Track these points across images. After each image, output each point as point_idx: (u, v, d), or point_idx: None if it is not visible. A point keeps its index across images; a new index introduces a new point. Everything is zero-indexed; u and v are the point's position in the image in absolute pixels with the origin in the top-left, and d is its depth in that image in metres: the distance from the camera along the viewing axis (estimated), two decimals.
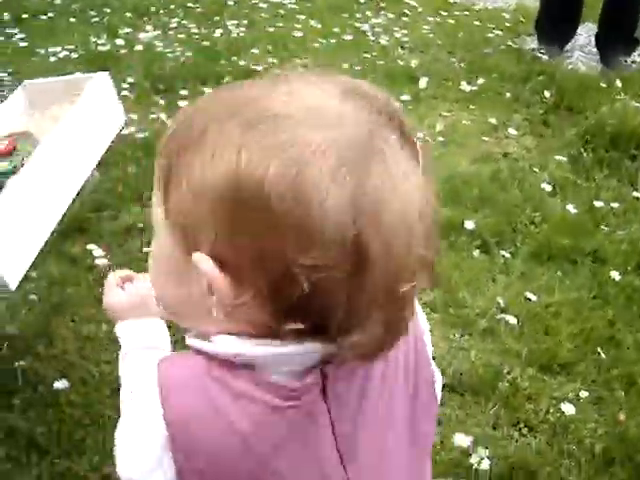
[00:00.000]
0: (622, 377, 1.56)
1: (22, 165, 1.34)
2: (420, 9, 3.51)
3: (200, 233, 0.46)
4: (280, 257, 0.43)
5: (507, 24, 3.46)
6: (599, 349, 1.63)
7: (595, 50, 3.19)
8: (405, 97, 2.67)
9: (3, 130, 1.53)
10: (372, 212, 0.43)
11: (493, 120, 2.60)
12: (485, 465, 1.33)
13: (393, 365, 0.55)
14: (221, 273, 0.46)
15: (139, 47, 3.07)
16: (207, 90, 2.60)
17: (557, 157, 2.42)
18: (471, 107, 2.70)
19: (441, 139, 2.47)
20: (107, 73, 1.66)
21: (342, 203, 0.42)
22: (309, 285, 0.43)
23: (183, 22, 3.36)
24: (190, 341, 0.53)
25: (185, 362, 0.53)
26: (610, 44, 3.11)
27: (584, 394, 1.52)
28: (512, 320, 1.68)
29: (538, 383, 1.53)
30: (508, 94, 2.79)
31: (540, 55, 3.12)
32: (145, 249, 1.74)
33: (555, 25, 3.13)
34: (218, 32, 3.24)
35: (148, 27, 3.33)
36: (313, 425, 0.52)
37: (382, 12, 3.45)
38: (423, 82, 2.81)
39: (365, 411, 0.54)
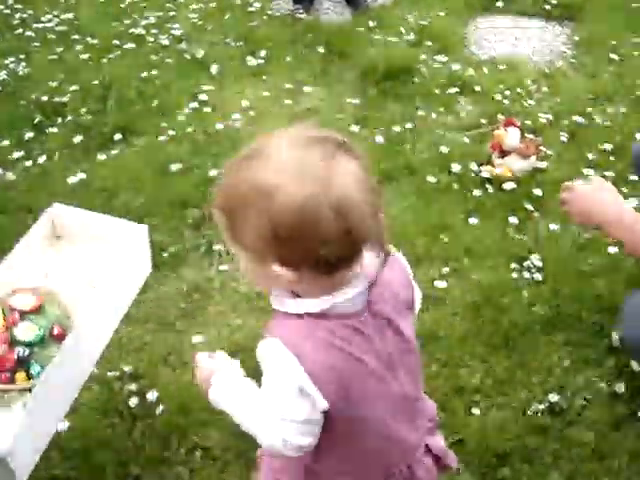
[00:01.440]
0: None
1: (51, 334, 1.39)
2: (182, 0, 3.75)
3: (266, 254, 0.80)
4: (314, 251, 0.78)
5: None
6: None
7: None
8: (207, 87, 2.96)
9: (27, 274, 1.55)
10: (345, 206, 0.78)
11: (288, 85, 2.99)
12: None
13: (396, 290, 0.92)
14: (288, 270, 0.80)
15: None
16: None
17: (349, 100, 2.88)
18: (264, 78, 3.06)
19: (252, 114, 2.80)
20: (146, 227, 1.71)
21: (330, 216, 0.77)
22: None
23: None
24: (286, 307, 0.86)
25: (293, 329, 0.85)
26: None
27: None
28: None
29: None
30: (289, 58, 3.18)
31: (299, 15, 3.53)
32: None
33: None
34: None
35: None
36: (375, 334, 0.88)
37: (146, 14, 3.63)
38: (214, 69, 3.10)
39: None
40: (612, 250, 2.05)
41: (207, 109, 2.83)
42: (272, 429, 0.87)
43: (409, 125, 2.67)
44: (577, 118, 2.68)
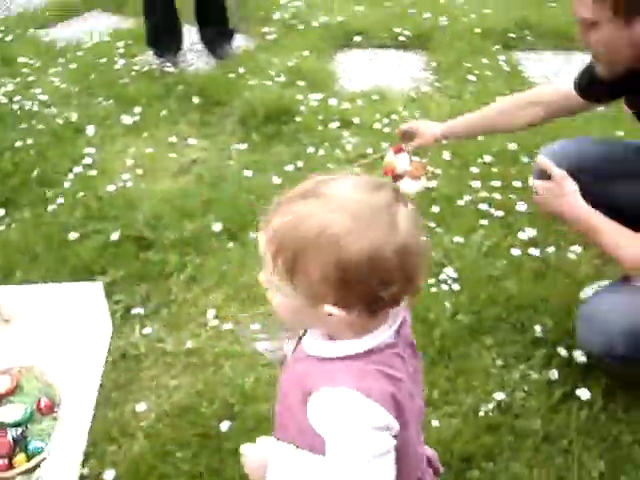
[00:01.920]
0: None
1: (39, 408, 1.28)
2: (38, 64, 3.63)
3: (324, 295, 0.82)
4: (373, 293, 0.82)
5: (121, 50, 3.78)
6: None
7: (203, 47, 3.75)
8: (87, 150, 2.87)
9: None
10: (407, 251, 0.83)
11: (170, 139, 2.97)
12: None
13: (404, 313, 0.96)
14: (341, 311, 0.82)
15: None
16: None
17: (235, 146, 2.91)
18: (145, 135, 3.02)
19: (140, 172, 2.76)
20: (100, 284, 1.58)
21: (394, 260, 0.81)
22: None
23: None
24: (339, 351, 0.88)
25: (353, 372, 0.86)
26: (212, 39, 3.68)
27: None
28: None
29: None
30: (164, 112, 3.17)
31: (167, 69, 3.53)
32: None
33: (162, 37, 3.57)
34: None
35: None
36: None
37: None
38: (91, 131, 3.02)
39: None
40: (514, 252, 2.22)
41: (92, 172, 2.75)
42: (363, 477, 0.86)
43: (300, 163, 2.74)
44: None
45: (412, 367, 0.94)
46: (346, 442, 0.86)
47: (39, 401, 1.20)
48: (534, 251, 2.23)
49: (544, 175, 1.62)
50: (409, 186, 2.48)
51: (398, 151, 2.50)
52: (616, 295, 1.56)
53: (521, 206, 2.42)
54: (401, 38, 3.91)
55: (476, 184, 2.55)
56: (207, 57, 3.73)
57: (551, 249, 2.25)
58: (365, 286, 0.81)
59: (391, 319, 0.91)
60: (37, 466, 1.25)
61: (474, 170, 2.65)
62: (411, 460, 0.98)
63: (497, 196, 2.50)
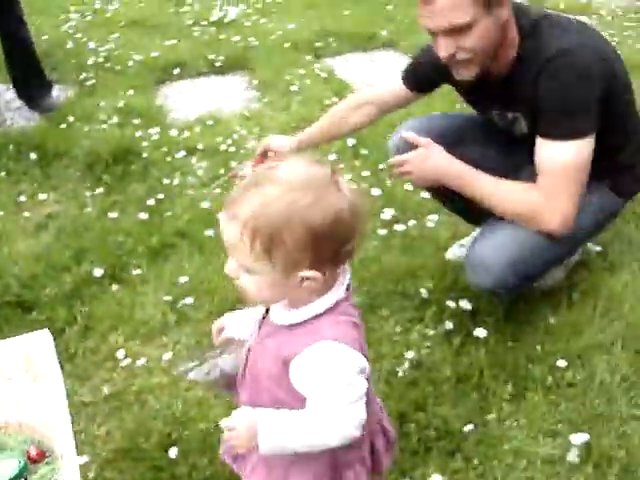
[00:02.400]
0: None
1: (29, 457, 1.16)
2: None
3: (300, 262, 0.93)
4: (338, 250, 0.96)
5: None
6: None
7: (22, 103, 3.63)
8: None
9: None
10: (356, 211, 0.98)
11: (20, 198, 2.86)
12: None
13: None
14: (316, 272, 0.94)
15: None
16: None
17: (88, 193, 2.87)
18: None
19: None
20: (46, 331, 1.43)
21: (349, 220, 0.96)
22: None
23: None
24: (309, 312, 1.00)
25: (336, 331, 0.99)
26: (31, 94, 3.58)
27: None
28: None
29: None
30: (3, 173, 3.03)
31: None
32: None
33: None
34: None
35: None
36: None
37: None
38: None
39: None
40: (381, 232, 2.44)
41: None
42: (344, 420, 0.98)
43: (161, 195, 2.77)
44: None
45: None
46: (331, 390, 0.98)
47: (28, 451, 1.14)
48: (398, 227, 2.47)
49: (406, 150, 1.83)
50: None
51: (256, 165, 2.62)
52: (494, 235, 1.79)
53: (375, 191, 2.66)
54: (218, 64, 4.05)
55: None
56: (28, 112, 3.60)
57: (412, 222, 2.50)
58: (332, 244, 0.95)
59: (342, 276, 1.04)
60: None
61: None
62: (372, 403, 1.12)
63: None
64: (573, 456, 1.60)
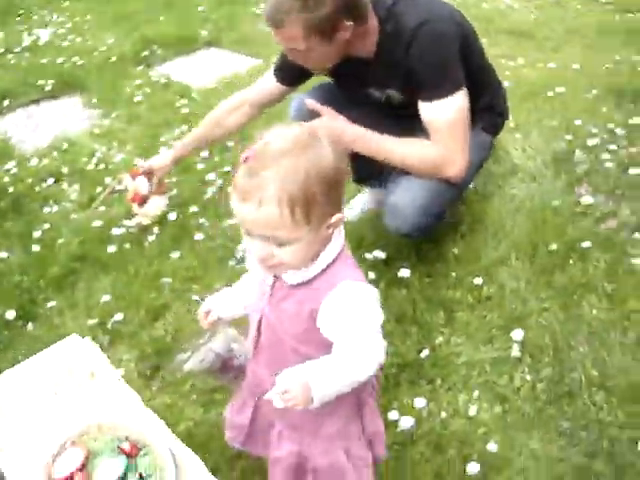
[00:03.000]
0: None
1: (124, 452, 1.09)
2: None
3: (328, 213, 1.05)
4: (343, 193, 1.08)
5: None
6: None
7: None
8: None
9: None
10: (344, 159, 1.08)
11: None
12: None
13: None
14: (338, 214, 1.06)
15: None
16: None
17: None
18: None
19: None
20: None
21: (345, 168, 1.08)
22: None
23: None
24: (322, 262, 1.09)
25: (349, 271, 1.11)
26: None
27: None
28: None
29: None
30: None
31: None
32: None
33: None
34: None
35: None
36: None
37: None
38: None
39: None
40: None
41: None
42: (378, 347, 1.09)
43: (46, 225, 2.67)
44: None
45: None
46: (363, 323, 1.08)
47: (122, 448, 1.08)
48: None
49: (307, 115, 1.97)
50: (159, 203, 2.65)
51: (135, 176, 2.61)
52: (403, 186, 2.00)
53: None
54: (48, 88, 3.91)
55: (210, 176, 2.83)
56: None
57: None
58: (341, 187, 1.08)
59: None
60: None
61: (200, 166, 2.92)
62: None
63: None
64: (516, 352, 1.88)
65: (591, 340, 1.92)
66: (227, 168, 2.87)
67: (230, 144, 3.00)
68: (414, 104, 1.92)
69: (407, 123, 1.99)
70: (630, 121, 3.03)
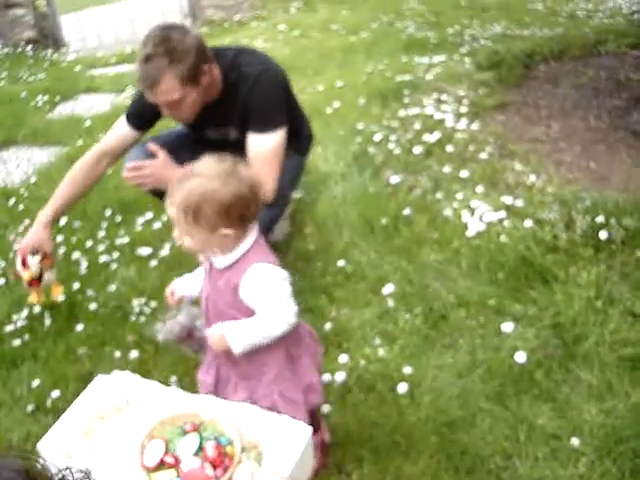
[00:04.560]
0: None
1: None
2: None
3: (218, 224, 1.44)
4: (243, 214, 1.47)
5: None
6: None
7: None
8: None
9: None
10: (253, 186, 1.49)
11: None
12: None
13: None
14: (232, 230, 1.45)
15: None
16: None
17: None
18: None
19: None
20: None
21: (248, 194, 1.47)
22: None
23: None
24: (238, 255, 1.49)
25: (260, 257, 1.49)
26: None
27: None
28: None
29: None
30: None
31: None
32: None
33: None
34: None
35: None
36: None
37: None
38: None
39: None
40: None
41: None
42: (286, 310, 1.48)
43: None
44: None
45: None
46: (272, 291, 1.47)
47: (188, 429, 1.32)
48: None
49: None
50: (50, 276, 2.60)
51: (24, 262, 2.59)
52: None
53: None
54: None
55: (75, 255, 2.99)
56: None
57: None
58: (237, 211, 1.45)
59: (254, 226, 1.54)
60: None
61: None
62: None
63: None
64: (391, 303, 2.37)
65: (437, 276, 2.48)
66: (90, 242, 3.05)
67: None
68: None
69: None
70: (398, 114, 3.75)
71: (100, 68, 5.77)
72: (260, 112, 2.28)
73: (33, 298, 2.49)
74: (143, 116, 2.43)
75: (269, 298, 1.48)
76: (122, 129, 2.48)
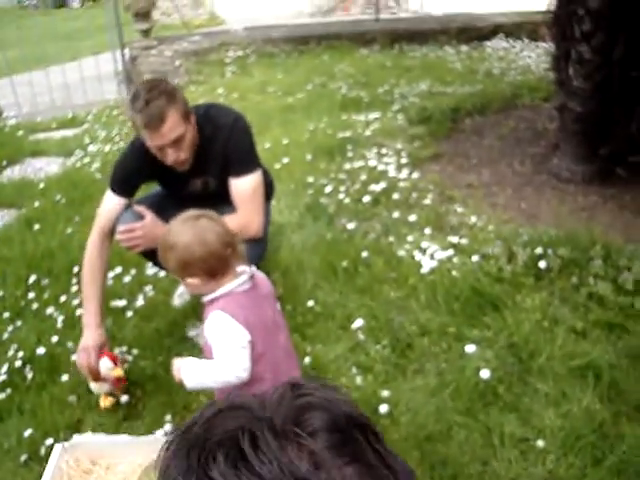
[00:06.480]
0: None
1: None
2: None
3: (181, 274, 1.70)
4: (205, 268, 1.69)
5: None
6: None
7: None
8: None
9: None
10: (226, 241, 1.72)
11: None
12: None
13: (267, 284, 1.86)
14: (195, 279, 1.71)
15: None
16: None
17: None
18: None
19: None
20: None
21: (220, 248, 1.70)
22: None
23: None
24: (210, 298, 1.71)
25: (223, 306, 1.67)
26: None
27: None
28: None
29: None
30: None
31: None
32: None
33: None
34: None
35: None
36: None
37: None
38: None
39: None
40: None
41: None
42: (233, 363, 1.63)
43: None
44: None
45: (267, 301, 1.82)
46: (220, 342, 1.64)
47: None
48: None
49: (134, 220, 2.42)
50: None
51: (115, 361, 2.42)
52: None
53: None
54: None
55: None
56: None
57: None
58: (201, 265, 1.67)
59: (234, 277, 1.72)
60: None
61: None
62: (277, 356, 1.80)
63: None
64: (360, 337, 2.58)
65: (400, 311, 2.72)
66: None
67: None
68: (225, 189, 2.53)
69: (219, 207, 2.59)
70: (344, 167, 4.04)
71: (41, 132, 5.84)
72: (239, 157, 2.50)
73: (108, 402, 2.37)
74: (129, 182, 2.53)
75: (219, 348, 1.65)
76: (110, 203, 2.51)
